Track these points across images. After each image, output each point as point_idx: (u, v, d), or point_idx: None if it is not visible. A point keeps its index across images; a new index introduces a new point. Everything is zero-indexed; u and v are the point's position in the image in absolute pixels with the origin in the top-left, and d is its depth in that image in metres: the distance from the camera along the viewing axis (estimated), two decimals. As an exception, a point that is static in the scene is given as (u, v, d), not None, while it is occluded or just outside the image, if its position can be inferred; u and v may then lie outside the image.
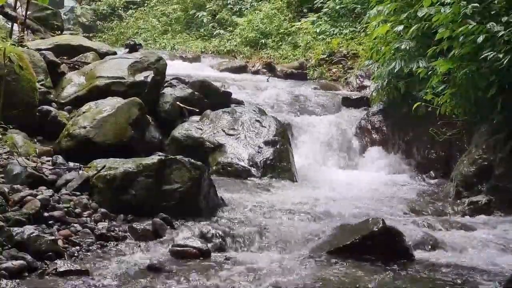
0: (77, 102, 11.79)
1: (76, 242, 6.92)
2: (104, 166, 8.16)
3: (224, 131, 11.66)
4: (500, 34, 8.50)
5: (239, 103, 13.61)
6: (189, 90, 13.10)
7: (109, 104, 10.90)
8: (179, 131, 11.75)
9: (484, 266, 6.92)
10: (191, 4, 25.28)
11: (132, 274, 6.23)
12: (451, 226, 8.47)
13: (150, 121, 11.84)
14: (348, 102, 14.41)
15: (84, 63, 13.70)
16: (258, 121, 11.87)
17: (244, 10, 23.94)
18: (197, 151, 10.98)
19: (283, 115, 13.53)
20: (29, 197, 7.38)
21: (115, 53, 15.35)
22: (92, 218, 7.53)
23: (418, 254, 7.25)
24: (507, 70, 8.69)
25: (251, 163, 10.97)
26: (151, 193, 7.97)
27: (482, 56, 8.76)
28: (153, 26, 25.34)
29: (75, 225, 7.22)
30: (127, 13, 27.19)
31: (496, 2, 8.90)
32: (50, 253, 6.41)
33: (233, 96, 13.86)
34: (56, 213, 7.28)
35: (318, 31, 20.11)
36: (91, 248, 6.91)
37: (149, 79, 12.43)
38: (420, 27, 10.33)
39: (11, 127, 9.50)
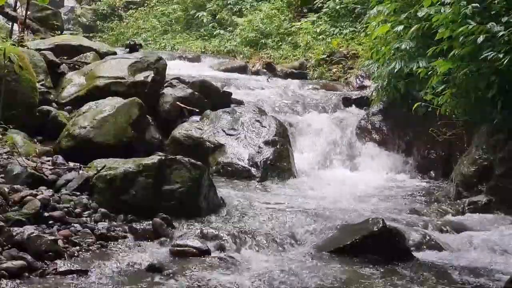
0: (77, 102, 11.80)
1: (76, 242, 6.92)
2: (104, 166, 8.16)
3: (224, 131, 11.67)
4: (500, 34, 8.50)
5: (239, 103, 13.61)
6: (189, 90, 13.09)
7: (109, 104, 10.91)
8: (179, 131, 11.75)
9: (484, 267, 6.93)
10: (191, 4, 25.26)
11: (132, 274, 6.23)
12: (451, 226, 8.46)
13: (150, 121, 11.85)
14: (348, 102, 14.39)
15: (84, 63, 13.71)
16: (258, 121, 11.88)
17: (244, 10, 23.92)
18: (197, 151, 10.99)
19: (283, 115, 13.52)
20: (29, 197, 7.38)
21: (115, 53, 15.34)
22: (92, 218, 7.53)
23: (418, 254, 7.26)
24: (507, 70, 8.68)
25: (251, 163, 10.98)
26: (151, 193, 7.97)
27: (482, 56, 8.75)
28: (153, 26, 25.33)
29: (75, 225, 7.22)
30: (127, 13, 27.18)
31: (496, 2, 8.89)
32: (50, 253, 6.41)
33: (233, 96, 13.86)
34: (56, 213, 7.28)
35: (318, 31, 20.09)
36: (91, 248, 6.91)
37: (149, 79, 12.45)
38: (420, 27, 10.32)
39: (11, 127, 9.50)
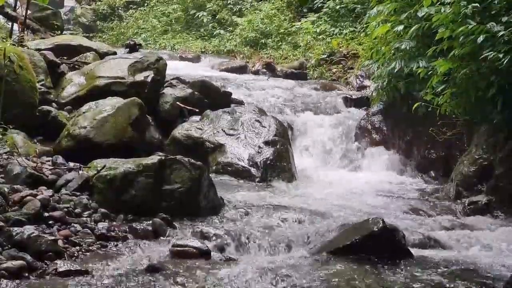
0: (77, 102, 11.82)
1: (76, 242, 6.91)
2: (104, 166, 8.16)
3: (224, 131, 11.66)
4: (500, 34, 8.50)
5: (239, 103, 13.62)
6: (189, 90, 13.11)
7: (109, 104, 10.91)
8: (179, 131, 11.74)
9: (485, 266, 6.93)
10: (191, 4, 25.28)
11: (132, 274, 6.23)
12: (451, 226, 8.47)
13: (150, 121, 11.85)
14: (348, 102, 14.41)
15: (84, 63, 13.71)
16: (258, 121, 11.86)
17: (244, 10, 23.94)
18: (197, 151, 10.98)
19: (283, 115, 13.52)
20: (29, 197, 7.38)
21: (115, 53, 15.37)
22: (92, 218, 7.52)
23: (418, 254, 7.25)
24: (507, 70, 8.68)
25: (251, 163, 10.97)
26: (151, 193, 7.97)
27: (482, 56, 8.75)
28: (153, 26, 25.34)
29: (75, 225, 7.21)
30: (127, 13, 27.19)
31: (496, 2, 8.89)
32: (50, 253, 6.41)
33: (233, 96, 13.87)
34: (56, 213, 7.28)
35: (318, 31, 20.10)
36: (91, 248, 6.91)
37: (149, 79, 12.46)
38: (420, 27, 10.32)
39: (11, 127, 9.50)
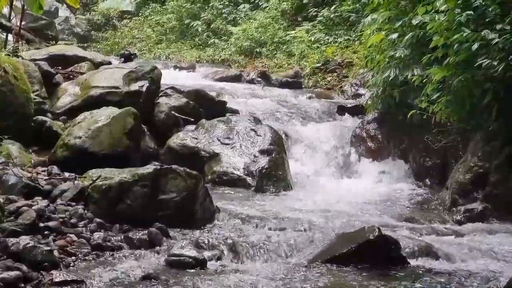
0: (72, 112, 11.81)
1: (72, 252, 6.90)
2: (100, 176, 8.15)
3: (219, 140, 11.66)
4: (495, 41, 8.52)
5: (234, 112, 13.61)
6: (184, 100, 13.10)
7: (104, 114, 10.89)
8: (175, 141, 11.74)
9: (480, 273, 6.92)
10: (185, 13, 25.30)
11: (128, 284, 6.21)
12: (447, 234, 8.47)
13: (145, 130, 11.84)
14: (343, 111, 14.42)
15: (79, 73, 13.71)
16: (253, 130, 11.86)
17: (239, 19, 23.96)
18: (192, 160, 10.97)
19: (278, 123, 13.53)
20: (24, 208, 7.37)
21: (110, 63, 15.35)
22: (88, 228, 7.51)
23: (414, 262, 7.25)
24: (501, 78, 8.70)
25: (246, 172, 10.96)
26: (147, 202, 7.96)
27: (477, 64, 8.77)
28: (147, 36, 25.36)
29: (71, 235, 7.20)
30: (122, 23, 27.20)
31: (490, 9, 8.92)
32: (46, 264, 6.39)
33: (228, 105, 13.87)
34: (51, 224, 7.27)
35: (312, 39, 20.13)
36: (87, 258, 6.89)
37: (144, 89, 12.44)
38: (415, 35, 10.35)
39: (6, 137, 9.48)
